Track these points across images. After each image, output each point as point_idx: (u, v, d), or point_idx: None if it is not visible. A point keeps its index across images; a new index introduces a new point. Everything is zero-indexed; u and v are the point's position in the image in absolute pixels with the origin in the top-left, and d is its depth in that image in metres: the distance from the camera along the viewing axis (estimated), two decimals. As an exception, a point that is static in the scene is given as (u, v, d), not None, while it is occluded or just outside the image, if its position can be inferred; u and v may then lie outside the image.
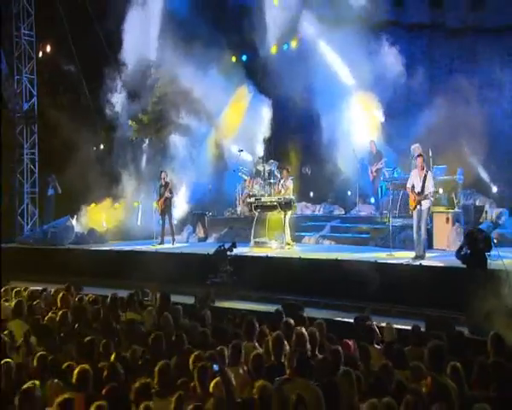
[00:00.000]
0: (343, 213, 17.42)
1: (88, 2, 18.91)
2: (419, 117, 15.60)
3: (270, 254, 13.40)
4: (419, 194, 11.50)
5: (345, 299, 10.63)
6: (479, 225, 14.07)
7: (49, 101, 19.28)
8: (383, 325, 7.88)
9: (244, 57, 20.67)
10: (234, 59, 20.35)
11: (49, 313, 8.75)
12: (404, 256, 11.85)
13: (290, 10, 18.10)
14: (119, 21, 18.13)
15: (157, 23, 18.70)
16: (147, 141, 19.64)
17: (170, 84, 19.29)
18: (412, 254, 11.83)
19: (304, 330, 6.72)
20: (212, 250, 13.07)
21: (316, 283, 11.41)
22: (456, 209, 13.50)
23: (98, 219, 19.55)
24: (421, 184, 11.47)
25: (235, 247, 12.91)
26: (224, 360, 6.07)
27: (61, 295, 9.64)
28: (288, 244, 14.25)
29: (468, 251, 8.78)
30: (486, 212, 14.62)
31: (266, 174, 16.45)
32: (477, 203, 14.77)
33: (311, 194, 18.72)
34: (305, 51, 17.71)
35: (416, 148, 14.43)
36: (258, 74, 19.45)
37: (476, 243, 8.74)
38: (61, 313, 8.51)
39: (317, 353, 6.60)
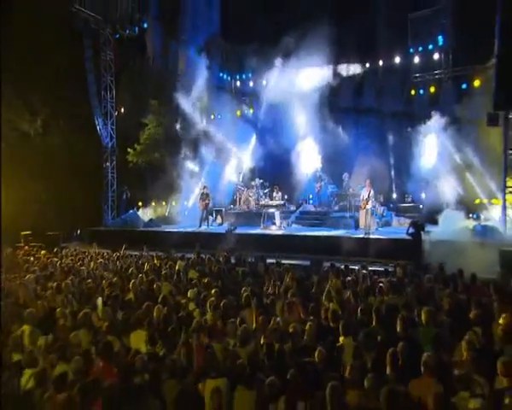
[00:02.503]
0: (295, 208, 18.21)
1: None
2: (342, 158, 16.92)
3: (285, 233, 14.30)
4: (366, 200, 13.11)
5: (347, 256, 11.07)
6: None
7: (123, 140, 19.13)
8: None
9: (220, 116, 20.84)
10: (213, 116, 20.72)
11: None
12: (358, 234, 12.99)
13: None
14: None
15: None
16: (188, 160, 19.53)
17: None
18: (357, 232, 13.58)
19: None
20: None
21: (321, 248, 11.77)
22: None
23: (144, 212, 19.57)
24: (367, 195, 13.13)
25: (236, 228, 14.25)
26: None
27: (208, 256, 10.08)
28: (284, 227, 15.47)
29: (413, 230, 9.98)
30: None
31: (255, 187, 17.59)
32: (372, 204, 16.62)
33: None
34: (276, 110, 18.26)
35: (345, 176, 16.21)
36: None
37: (417, 226, 10.07)
38: (216, 268, 8.82)
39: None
